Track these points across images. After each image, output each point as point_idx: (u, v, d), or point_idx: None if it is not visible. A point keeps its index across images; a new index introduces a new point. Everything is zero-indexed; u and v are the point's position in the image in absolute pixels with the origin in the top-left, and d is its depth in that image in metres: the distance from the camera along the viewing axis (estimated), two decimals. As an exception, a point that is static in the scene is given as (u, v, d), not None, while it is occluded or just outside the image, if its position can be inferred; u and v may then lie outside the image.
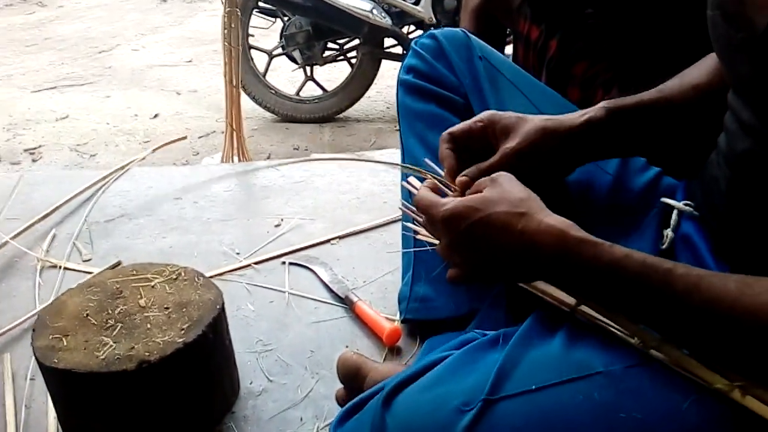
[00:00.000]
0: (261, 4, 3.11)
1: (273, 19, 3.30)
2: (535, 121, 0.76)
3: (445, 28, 1.04)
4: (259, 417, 1.01)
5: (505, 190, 0.64)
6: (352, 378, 0.96)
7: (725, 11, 0.56)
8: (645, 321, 0.57)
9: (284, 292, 1.28)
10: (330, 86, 3.34)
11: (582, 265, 0.57)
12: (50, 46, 4.55)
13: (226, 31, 1.77)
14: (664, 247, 0.76)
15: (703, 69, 0.75)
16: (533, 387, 0.57)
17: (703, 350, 0.55)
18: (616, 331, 0.59)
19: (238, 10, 1.72)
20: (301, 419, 1.00)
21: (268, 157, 2.94)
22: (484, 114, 0.79)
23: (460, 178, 0.76)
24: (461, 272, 0.67)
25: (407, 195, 1.01)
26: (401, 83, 1.04)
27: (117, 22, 5.16)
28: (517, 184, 0.65)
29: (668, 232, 0.76)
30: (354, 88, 3.24)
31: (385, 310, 1.22)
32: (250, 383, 1.07)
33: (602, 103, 0.76)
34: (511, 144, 0.75)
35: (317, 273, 1.32)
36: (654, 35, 1.18)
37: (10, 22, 5.16)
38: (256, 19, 3.24)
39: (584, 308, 0.61)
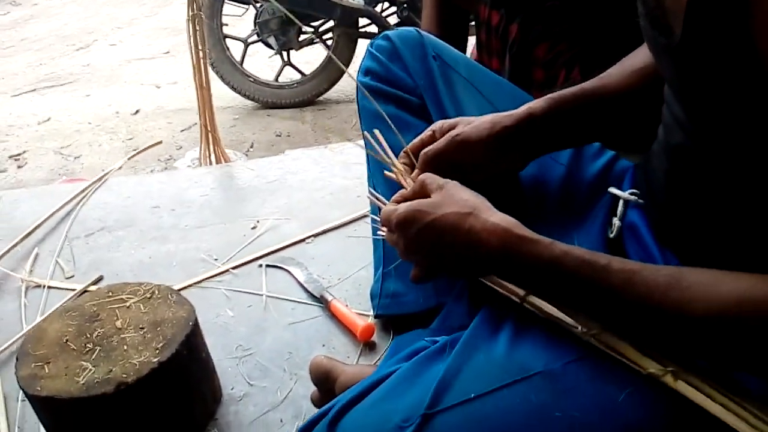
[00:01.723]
0: (232, -8, 3.11)
1: (246, 6, 3.29)
2: (480, 117, 0.80)
3: (400, 28, 1.06)
4: (240, 421, 1.05)
5: (452, 194, 0.67)
6: (323, 381, 0.99)
7: (651, 17, 0.58)
8: (584, 314, 0.60)
9: (261, 295, 1.31)
10: (308, 69, 3.34)
11: (524, 262, 0.60)
12: (27, 47, 4.53)
13: (191, 35, 1.77)
14: (612, 235, 0.79)
15: (644, 54, 0.77)
16: (472, 396, 0.59)
17: (639, 339, 0.58)
18: (561, 319, 0.62)
19: (201, 13, 1.72)
20: (281, 420, 1.05)
21: (251, 146, 2.96)
22: (434, 124, 0.83)
23: (401, 160, 0.82)
24: (421, 272, 0.71)
25: (374, 184, 1.05)
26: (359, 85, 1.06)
27: (92, 17, 5.13)
28: (464, 188, 0.68)
29: (616, 221, 0.79)
30: (332, 70, 3.24)
31: (359, 306, 1.26)
32: (232, 389, 1.11)
33: (545, 97, 0.79)
34: (455, 132, 0.79)
35: (293, 274, 1.36)
36: (611, 13, 1.20)
37: (-14, 24, 5.14)
38: (229, 7, 3.23)
39: (533, 298, 0.64)
